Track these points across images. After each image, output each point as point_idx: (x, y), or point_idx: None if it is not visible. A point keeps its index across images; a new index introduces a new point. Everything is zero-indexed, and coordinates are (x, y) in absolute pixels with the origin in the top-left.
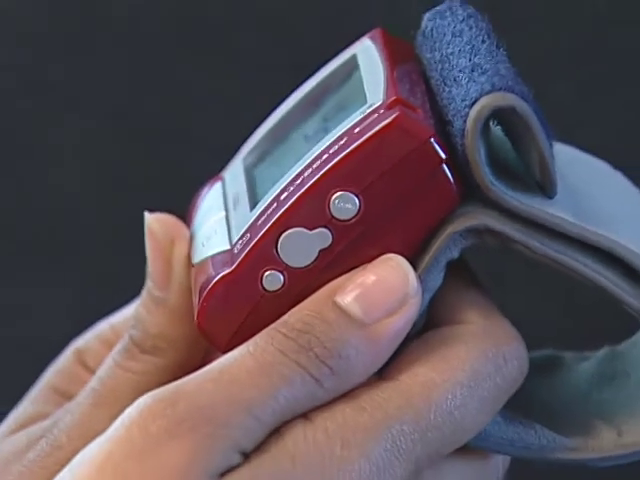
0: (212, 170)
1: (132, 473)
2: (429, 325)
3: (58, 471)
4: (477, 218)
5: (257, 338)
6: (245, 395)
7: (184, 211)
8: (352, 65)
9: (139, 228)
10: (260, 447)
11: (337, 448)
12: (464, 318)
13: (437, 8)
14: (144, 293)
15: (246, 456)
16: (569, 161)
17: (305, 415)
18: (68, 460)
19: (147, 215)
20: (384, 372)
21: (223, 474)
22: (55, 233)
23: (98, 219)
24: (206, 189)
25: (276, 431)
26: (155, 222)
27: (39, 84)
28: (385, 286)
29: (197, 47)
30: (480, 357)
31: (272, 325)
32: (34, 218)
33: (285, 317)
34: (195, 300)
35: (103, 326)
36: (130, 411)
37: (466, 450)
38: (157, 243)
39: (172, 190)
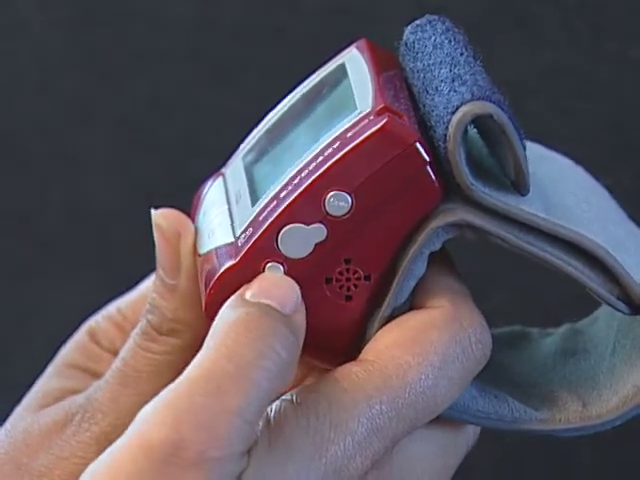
0: None
1: None
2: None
3: (93, 444)
4: (458, 214)
5: (225, 339)
6: (234, 402)
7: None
8: (341, 73)
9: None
10: (258, 441)
11: (326, 430)
12: (436, 303)
13: (417, 22)
14: (156, 281)
15: (248, 451)
16: (536, 158)
17: (292, 400)
18: (102, 434)
19: (153, 211)
20: (363, 353)
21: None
22: (72, 235)
23: (114, 222)
24: (209, 184)
25: (269, 421)
26: (161, 217)
27: (58, 97)
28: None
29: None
30: (450, 341)
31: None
32: (52, 220)
33: None
34: (202, 288)
35: (111, 308)
36: (138, 455)
37: (440, 420)
38: (164, 236)
39: (185, 193)
